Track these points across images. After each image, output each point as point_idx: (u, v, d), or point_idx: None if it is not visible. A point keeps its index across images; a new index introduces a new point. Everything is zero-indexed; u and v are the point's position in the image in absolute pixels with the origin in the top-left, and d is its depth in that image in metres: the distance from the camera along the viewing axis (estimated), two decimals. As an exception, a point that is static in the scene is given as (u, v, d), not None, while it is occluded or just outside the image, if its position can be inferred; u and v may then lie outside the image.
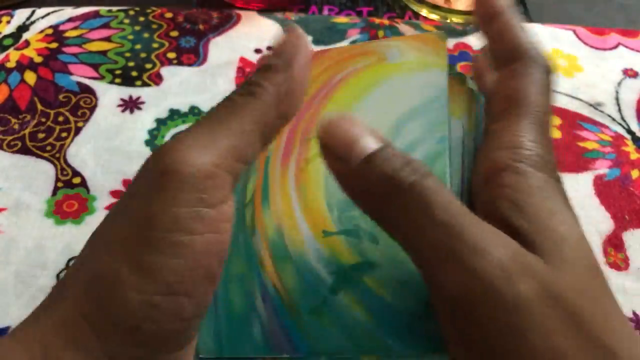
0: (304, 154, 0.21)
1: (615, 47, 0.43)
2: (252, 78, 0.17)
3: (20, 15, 0.41)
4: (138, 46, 0.39)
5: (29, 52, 0.38)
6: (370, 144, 0.16)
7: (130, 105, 0.36)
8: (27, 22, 0.40)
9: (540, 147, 0.18)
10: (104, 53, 0.39)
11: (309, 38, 0.41)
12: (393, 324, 0.18)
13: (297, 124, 0.21)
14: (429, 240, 0.16)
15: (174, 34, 0.41)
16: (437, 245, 0.15)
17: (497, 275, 0.15)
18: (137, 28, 0.41)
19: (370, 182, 0.16)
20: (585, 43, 0.43)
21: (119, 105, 0.36)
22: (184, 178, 0.15)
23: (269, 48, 0.34)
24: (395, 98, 0.21)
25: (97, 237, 0.16)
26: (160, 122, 0.35)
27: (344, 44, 0.41)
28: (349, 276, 0.19)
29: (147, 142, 0.34)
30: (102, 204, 0.31)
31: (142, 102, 0.36)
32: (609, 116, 0.38)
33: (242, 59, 0.39)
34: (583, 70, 0.40)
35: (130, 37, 0.40)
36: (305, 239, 0.20)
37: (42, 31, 0.40)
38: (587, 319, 0.15)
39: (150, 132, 0.35)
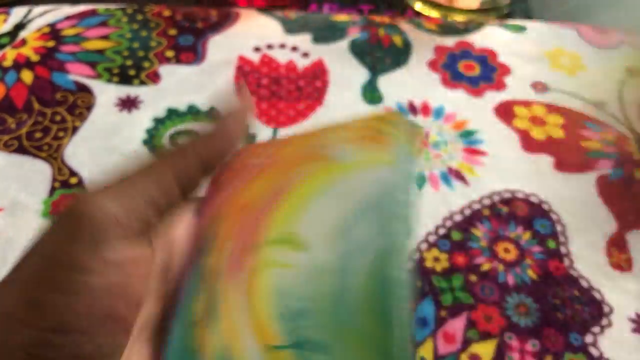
0: (256, 262, 0.19)
1: (618, 45, 0.42)
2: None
3: (17, 13, 0.41)
4: (136, 44, 0.39)
5: (26, 51, 0.38)
6: None
7: (128, 104, 0.36)
8: (24, 21, 0.40)
9: None
10: (101, 51, 0.38)
11: (309, 36, 0.41)
12: None
13: (246, 231, 0.20)
14: None
15: (173, 32, 0.40)
16: None
17: None
18: (134, 26, 0.40)
19: None
20: (589, 42, 0.42)
21: (117, 105, 0.35)
22: (89, 220, 0.15)
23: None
24: (341, 200, 0.19)
25: (6, 276, 0.17)
26: (159, 122, 0.35)
27: (344, 42, 0.41)
28: None
29: (145, 142, 0.34)
30: (99, 204, 0.31)
31: (140, 101, 0.36)
32: (612, 115, 0.37)
33: (241, 58, 0.39)
34: (586, 69, 0.40)
35: (128, 35, 0.40)
36: (252, 356, 0.18)
37: (39, 29, 0.40)
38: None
39: (149, 131, 0.34)
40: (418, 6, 0.45)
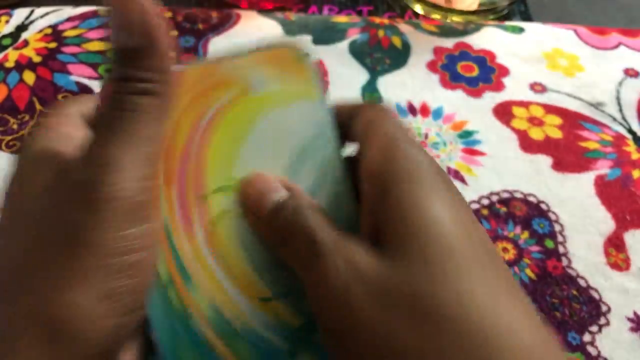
0: (207, 215, 0.19)
1: (616, 46, 0.42)
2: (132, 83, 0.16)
3: (19, 14, 0.41)
4: (137, 46, 0.39)
5: (28, 52, 0.38)
6: (276, 196, 0.18)
7: (130, 105, 0.36)
8: (26, 22, 0.40)
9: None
10: (103, 53, 0.39)
11: (309, 38, 0.41)
12: None
13: (183, 182, 0.19)
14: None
15: (173, 33, 0.41)
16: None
17: (336, 287, 0.16)
18: (136, 27, 0.41)
19: (278, 230, 0.18)
20: (587, 43, 0.42)
21: (118, 105, 0.36)
22: (118, 202, 0.15)
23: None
24: (277, 139, 0.20)
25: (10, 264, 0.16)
26: (160, 122, 0.35)
27: (344, 43, 0.41)
28: (303, 338, 0.19)
29: (146, 142, 0.34)
30: (100, 204, 0.31)
31: (141, 102, 0.36)
32: (610, 116, 0.38)
33: (242, 59, 0.39)
34: (584, 69, 0.40)
35: (130, 36, 0.40)
36: (244, 309, 0.19)
37: (41, 31, 0.40)
38: (432, 306, 0.15)
39: (150, 132, 0.34)
40: (417, 8, 0.45)
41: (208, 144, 0.20)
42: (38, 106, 0.35)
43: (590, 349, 0.27)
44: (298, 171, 0.20)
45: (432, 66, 0.40)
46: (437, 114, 0.37)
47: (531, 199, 0.33)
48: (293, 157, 0.20)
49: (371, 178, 0.17)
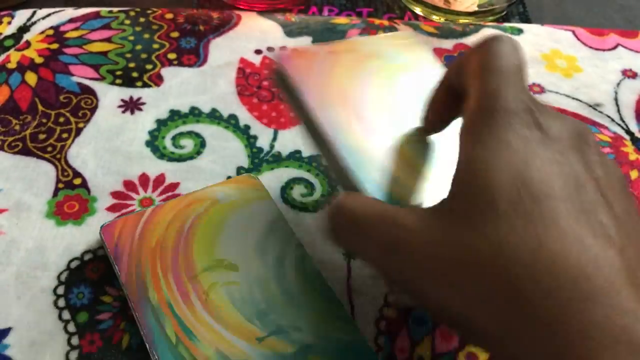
0: (200, 289, 0.26)
1: (615, 47, 0.43)
2: None
3: (21, 16, 0.41)
4: (139, 47, 0.40)
5: (30, 53, 0.39)
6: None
7: (131, 106, 0.36)
8: (28, 23, 0.41)
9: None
10: (104, 54, 0.39)
11: (310, 39, 0.41)
12: None
13: (177, 269, 0.27)
14: None
15: (175, 34, 0.41)
16: None
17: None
18: (137, 29, 0.41)
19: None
20: (585, 44, 0.43)
21: (120, 106, 0.36)
22: None
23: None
24: (243, 230, 0.28)
25: None
26: (161, 123, 0.35)
27: (344, 44, 0.41)
28: None
29: (148, 143, 0.34)
30: (102, 204, 0.31)
31: (143, 103, 0.36)
32: (608, 117, 0.38)
33: (243, 60, 0.39)
34: (582, 71, 0.41)
35: (131, 37, 0.40)
36: (245, 349, 0.24)
37: (42, 32, 0.40)
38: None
39: (151, 132, 0.35)
40: (416, 9, 0.45)
41: (192, 240, 0.28)
42: (40, 107, 0.35)
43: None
44: (264, 248, 0.28)
45: (431, 67, 0.40)
46: (437, 115, 0.37)
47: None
48: (258, 237, 0.28)
49: (467, 130, 0.20)
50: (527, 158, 0.18)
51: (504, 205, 0.17)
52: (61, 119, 0.35)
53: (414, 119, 0.26)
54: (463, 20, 0.44)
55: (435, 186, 0.24)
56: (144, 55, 0.39)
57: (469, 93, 0.21)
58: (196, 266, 0.27)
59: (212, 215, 0.29)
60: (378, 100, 0.26)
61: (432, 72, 0.28)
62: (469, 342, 0.26)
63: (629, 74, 0.41)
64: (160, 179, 0.32)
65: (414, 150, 0.25)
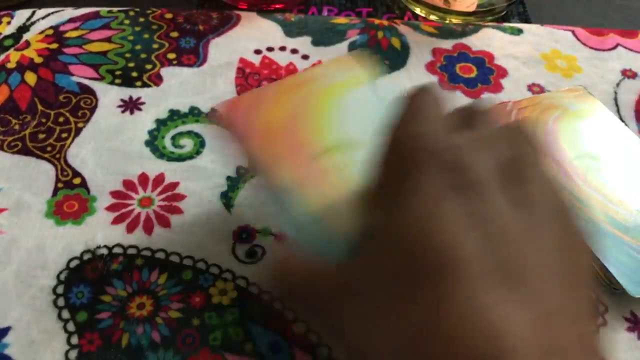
0: (330, 167, 0.25)
1: (614, 47, 0.43)
2: None
3: (21, 16, 0.41)
4: (138, 47, 0.40)
5: (29, 53, 0.39)
6: None
7: (131, 106, 0.36)
8: (28, 23, 0.41)
9: None
10: (104, 54, 0.39)
11: (309, 39, 0.41)
12: None
13: (298, 148, 0.25)
14: None
15: (174, 34, 0.41)
16: None
17: None
18: (137, 29, 0.41)
19: None
20: (584, 44, 0.43)
21: (119, 106, 0.36)
22: None
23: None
24: (355, 110, 0.27)
25: None
26: (160, 123, 0.35)
27: (344, 45, 0.41)
28: None
29: (147, 143, 0.34)
30: (102, 204, 0.31)
31: (142, 103, 0.36)
32: (608, 117, 0.38)
33: (242, 60, 0.40)
34: (582, 71, 0.41)
35: (131, 37, 0.40)
36: None
37: (42, 32, 0.40)
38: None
39: (150, 132, 0.35)
40: (416, 9, 0.45)
41: (309, 121, 0.26)
42: (40, 107, 0.35)
43: (587, 348, 0.27)
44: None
45: (431, 67, 0.40)
46: (436, 114, 0.37)
47: (529, 199, 0.33)
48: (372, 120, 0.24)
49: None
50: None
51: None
52: (61, 119, 0.35)
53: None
54: (462, 20, 0.44)
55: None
56: (143, 55, 0.39)
57: None
58: (318, 146, 0.25)
59: (322, 98, 0.27)
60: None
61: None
62: None
63: (628, 74, 0.41)
64: (159, 178, 0.32)
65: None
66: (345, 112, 0.26)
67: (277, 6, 0.44)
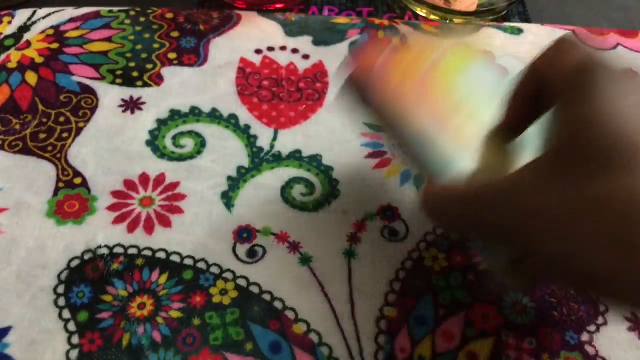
0: (455, 120, 0.28)
1: (615, 47, 0.43)
2: None
3: (22, 15, 0.41)
4: (139, 47, 0.40)
5: (30, 53, 0.39)
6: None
7: (131, 105, 0.36)
8: (28, 23, 0.41)
9: None
10: (105, 53, 0.39)
11: (310, 38, 0.41)
12: None
13: (426, 103, 0.28)
14: None
15: (175, 34, 0.41)
16: None
17: None
18: (138, 28, 0.41)
19: None
20: (585, 43, 0.43)
21: (120, 106, 0.36)
22: None
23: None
24: (473, 81, 0.30)
25: None
26: (161, 123, 0.35)
27: (344, 44, 0.41)
28: None
29: (148, 143, 0.34)
30: (103, 204, 0.31)
31: (143, 103, 0.36)
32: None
33: (243, 60, 0.40)
34: (582, 71, 0.41)
35: (131, 37, 0.40)
36: None
37: (43, 32, 0.40)
38: None
39: (151, 132, 0.35)
40: (417, 9, 0.45)
41: (434, 83, 0.29)
42: (40, 107, 0.35)
43: (588, 348, 0.27)
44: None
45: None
46: (437, 114, 0.37)
47: (530, 199, 0.33)
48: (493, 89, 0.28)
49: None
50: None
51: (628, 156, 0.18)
52: (61, 119, 0.35)
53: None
54: (463, 20, 0.44)
55: None
56: (144, 55, 0.39)
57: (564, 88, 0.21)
58: (449, 102, 0.28)
59: (447, 65, 0.30)
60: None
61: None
62: (581, 290, 0.27)
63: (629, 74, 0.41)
64: (160, 178, 0.32)
65: (495, 150, 0.27)
66: (469, 80, 0.30)
67: (277, 6, 0.44)
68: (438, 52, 0.32)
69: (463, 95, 0.29)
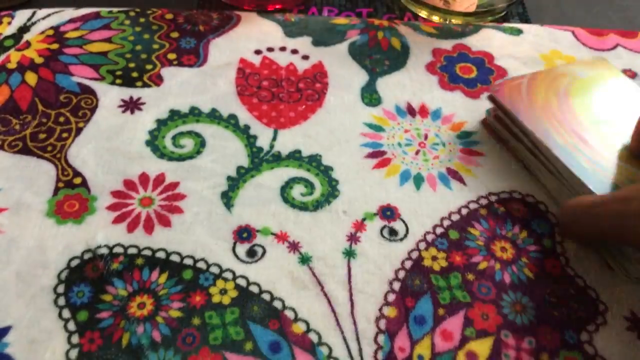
0: (594, 136, 0.32)
1: (614, 48, 0.43)
2: None
3: (21, 16, 0.41)
4: (138, 47, 0.40)
5: (30, 53, 0.39)
6: None
7: (131, 106, 0.36)
8: (28, 23, 0.41)
9: None
10: (104, 54, 0.39)
11: (309, 39, 0.41)
12: None
13: (566, 121, 0.33)
14: None
15: (175, 35, 0.41)
16: None
17: None
18: (137, 29, 0.41)
19: None
20: (584, 44, 0.43)
21: (120, 106, 0.36)
22: None
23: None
24: (611, 97, 0.34)
25: None
26: (161, 123, 0.35)
27: (344, 45, 0.41)
28: None
29: (148, 143, 0.34)
30: (102, 204, 0.31)
31: (143, 103, 0.36)
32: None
33: (242, 60, 0.40)
34: (582, 71, 0.41)
35: (131, 38, 0.40)
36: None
37: (43, 32, 0.40)
38: None
39: (151, 132, 0.35)
40: (416, 10, 0.46)
41: (571, 102, 0.34)
42: (40, 107, 0.35)
43: (587, 347, 0.27)
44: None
45: (431, 67, 0.40)
46: (436, 115, 0.37)
47: (529, 199, 0.33)
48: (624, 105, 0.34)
49: None
50: None
51: None
52: (61, 119, 0.35)
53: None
54: (462, 21, 0.44)
55: None
56: (143, 56, 0.39)
57: None
58: (583, 121, 0.33)
59: (581, 85, 0.35)
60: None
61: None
62: None
63: (628, 74, 0.41)
64: (160, 178, 0.32)
65: (633, 165, 0.31)
66: (601, 98, 0.34)
67: (277, 6, 0.45)
68: (578, 68, 0.36)
69: (604, 110, 0.33)
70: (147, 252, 0.29)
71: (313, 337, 0.27)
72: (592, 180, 0.30)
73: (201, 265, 0.29)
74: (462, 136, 0.36)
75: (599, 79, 0.35)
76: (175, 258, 0.29)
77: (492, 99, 0.35)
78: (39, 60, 0.38)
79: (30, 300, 0.27)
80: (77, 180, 0.32)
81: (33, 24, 0.41)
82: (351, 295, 0.28)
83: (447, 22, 0.44)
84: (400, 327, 0.27)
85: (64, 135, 0.34)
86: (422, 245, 0.30)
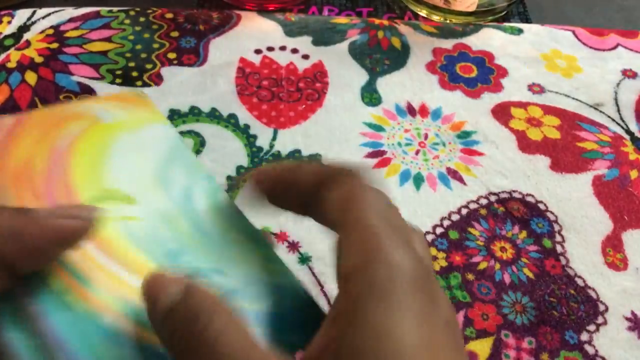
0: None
1: (615, 47, 0.43)
2: None
3: (21, 15, 0.41)
4: (138, 46, 0.40)
5: (30, 53, 0.39)
6: (167, 298, 0.16)
7: (131, 105, 0.36)
8: (28, 23, 0.41)
9: None
10: (104, 53, 0.39)
11: (309, 38, 0.41)
12: (283, 326, 0.19)
13: (53, 196, 0.20)
14: None
15: (175, 34, 0.41)
16: None
17: None
18: (137, 28, 0.41)
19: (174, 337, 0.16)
20: (585, 44, 0.43)
21: (120, 106, 0.36)
22: None
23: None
24: (137, 156, 0.22)
25: None
26: (161, 122, 0.35)
27: (344, 44, 0.41)
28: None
29: (148, 142, 0.34)
30: (102, 203, 0.31)
31: (143, 102, 0.36)
32: (608, 117, 0.38)
33: (242, 60, 0.40)
34: (582, 71, 0.41)
35: (131, 37, 0.40)
36: None
37: (42, 31, 0.40)
38: None
39: (151, 132, 0.35)
40: (416, 9, 0.45)
41: (72, 165, 0.21)
42: (40, 106, 0.35)
43: (588, 347, 0.27)
44: (166, 178, 0.22)
45: (431, 67, 0.40)
46: (436, 114, 0.37)
47: (529, 199, 0.33)
48: (156, 170, 0.22)
49: (345, 286, 0.16)
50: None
51: None
52: (61, 118, 0.35)
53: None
54: (462, 20, 0.44)
55: None
56: (143, 55, 0.39)
57: (343, 230, 0.18)
58: (79, 196, 0.20)
59: (95, 136, 0.22)
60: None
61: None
62: None
63: (628, 74, 0.41)
64: (159, 178, 0.32)
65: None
66: (120, 158, 0.21)
67: (277, 6, 0.44)
68: (106, 106, 0.23)
69: (107, 182, 0.21)
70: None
71: (313, 337, 0.27)
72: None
73: (201, 265, 0.29)
74: (462, 136, 0.36)
75: (133, 126, 0.23)
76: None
77: None
78: (38, 59, 0.38)
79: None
80: (77, 180, 0.32)
81: (33, 23, 0.41)
82: (351, 295, 0.28)
83: (448, 21, 0.44)
84: (400, 327, 0.27)
85: (64, 134, 0.34)
86: (422, 245, 0.30)
